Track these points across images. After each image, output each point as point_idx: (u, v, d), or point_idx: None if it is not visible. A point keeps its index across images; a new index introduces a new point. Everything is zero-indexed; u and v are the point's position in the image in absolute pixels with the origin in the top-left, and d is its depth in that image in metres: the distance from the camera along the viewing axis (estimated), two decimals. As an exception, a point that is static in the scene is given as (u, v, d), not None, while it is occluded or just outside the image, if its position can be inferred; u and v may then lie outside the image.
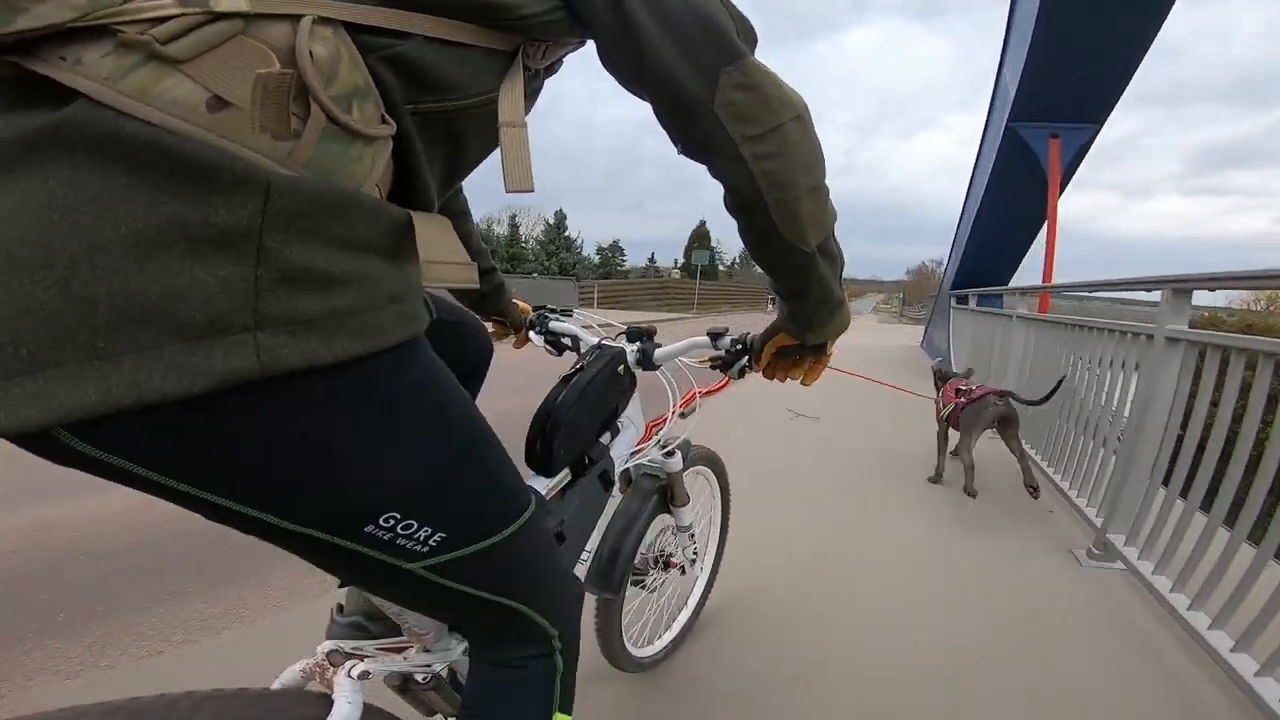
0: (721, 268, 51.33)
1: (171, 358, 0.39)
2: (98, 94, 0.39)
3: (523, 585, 0.68)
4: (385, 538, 0.53)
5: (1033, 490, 2.88)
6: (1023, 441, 3.03)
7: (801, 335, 0.87)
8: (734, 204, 0.66)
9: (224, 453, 0.44)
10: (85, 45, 0.39)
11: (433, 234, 0.53)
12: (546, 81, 0.71)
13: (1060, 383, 3.01)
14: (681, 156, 0.66)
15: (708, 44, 0.58)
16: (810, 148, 0.64)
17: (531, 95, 0.68)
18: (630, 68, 0.60)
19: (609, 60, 0.62)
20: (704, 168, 0.66)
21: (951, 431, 3.26)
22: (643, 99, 0.63)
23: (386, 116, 0.51)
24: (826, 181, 0.67)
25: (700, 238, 46.72)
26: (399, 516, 0.52)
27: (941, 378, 3.66)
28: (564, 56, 0.70)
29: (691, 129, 0.62)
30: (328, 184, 0.45)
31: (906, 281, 60.19)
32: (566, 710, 0.76)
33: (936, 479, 3.22)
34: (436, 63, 0.53)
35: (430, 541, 0.55)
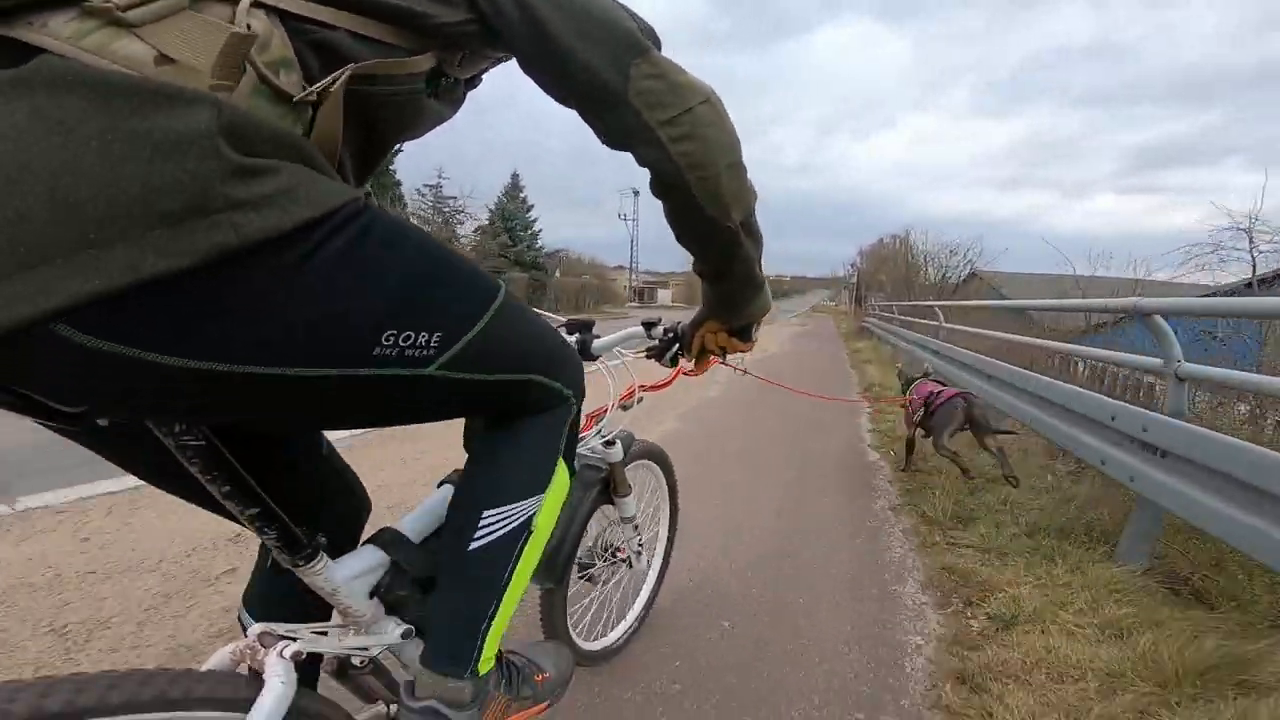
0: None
1: (159, 240, 0.44)
2: (60, 49, 0.46)
3: (527, 356, 0.74)
4: (393, 354, 0.59)
5: (1012, 481, 2.82)
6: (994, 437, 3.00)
7: (727, 319, 0.94)
8: (658, 187, 0.73)
9: (225, 319, 0.49)
10: (53, 13, 0.48)
11: None
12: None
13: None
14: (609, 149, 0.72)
15: (616, 41, 0.65)
16: (724, 127, 0.71)
17: (454, 104, 0.76)
18: (551, 69, 0.67)
19: (530, 66, 0.69)
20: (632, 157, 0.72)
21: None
22: (566, 104, 0.70)
23: (306, 86, 0.57)
24: (743, 160, 0.74)
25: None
26: (396, 332, 0.58)
27: (907, 381, 3.71)
28: (485, 71, 0.78)
29: (612, 120, 0.69)
30: (258, 114, 0.52)
31: (860, 270, 33.95)
32: (569, 462, 0.83)
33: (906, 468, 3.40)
34: (357, 53, 0.60)
35: (432, 344, 0.61)
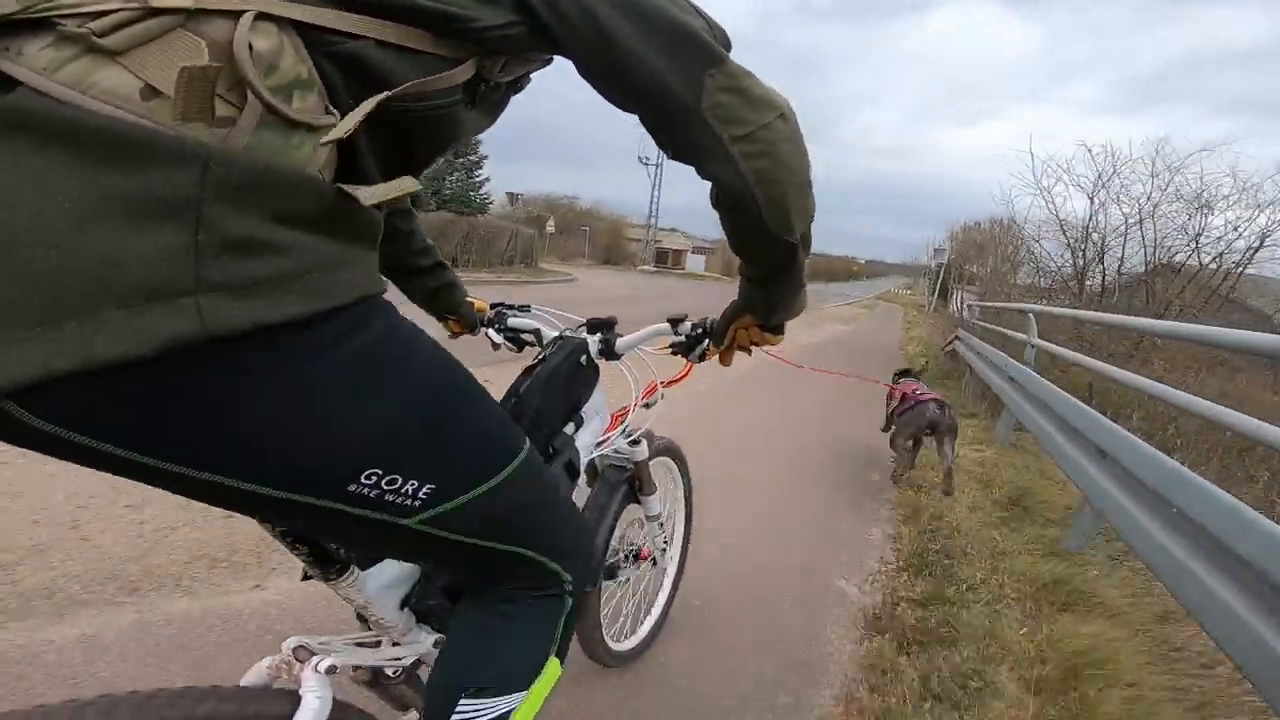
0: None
1: (113, 322, 0.39)
2: (35, 83, 0.40)
3: (526, 529, 0.68)
4: (372, 495, 0.53)
5: (948, 492, 3.06)
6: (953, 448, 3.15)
7: (766, 318, 0.91)
8: (724, 201, 0.67)
9: (185, 419, 0.44)
10: (27, 37, 0.41)
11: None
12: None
13: None
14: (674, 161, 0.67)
15: (688, 49, 0.59)
16: (798, 143, 0.65)
17: (492, 108, 0.69)
18: (613, 78, 0.61)
19: (589, 73, 0.62)
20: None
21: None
22: (628, 111, 0.64)
23: (330, 108, 0.51)
24: (810, 176, 0.68)
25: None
26: (381, 473, 0.52)
27: (900, 372, 3.82)
28: (530, 73, 0.71)
29: (680, 134, 0.63)
30: (267, 162, 0.45)
31: (948, 254, 22.35)
32: (561, 656, 0.75)
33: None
34: (387, 65, 0.54)
35: (420, 495, 0.56)
